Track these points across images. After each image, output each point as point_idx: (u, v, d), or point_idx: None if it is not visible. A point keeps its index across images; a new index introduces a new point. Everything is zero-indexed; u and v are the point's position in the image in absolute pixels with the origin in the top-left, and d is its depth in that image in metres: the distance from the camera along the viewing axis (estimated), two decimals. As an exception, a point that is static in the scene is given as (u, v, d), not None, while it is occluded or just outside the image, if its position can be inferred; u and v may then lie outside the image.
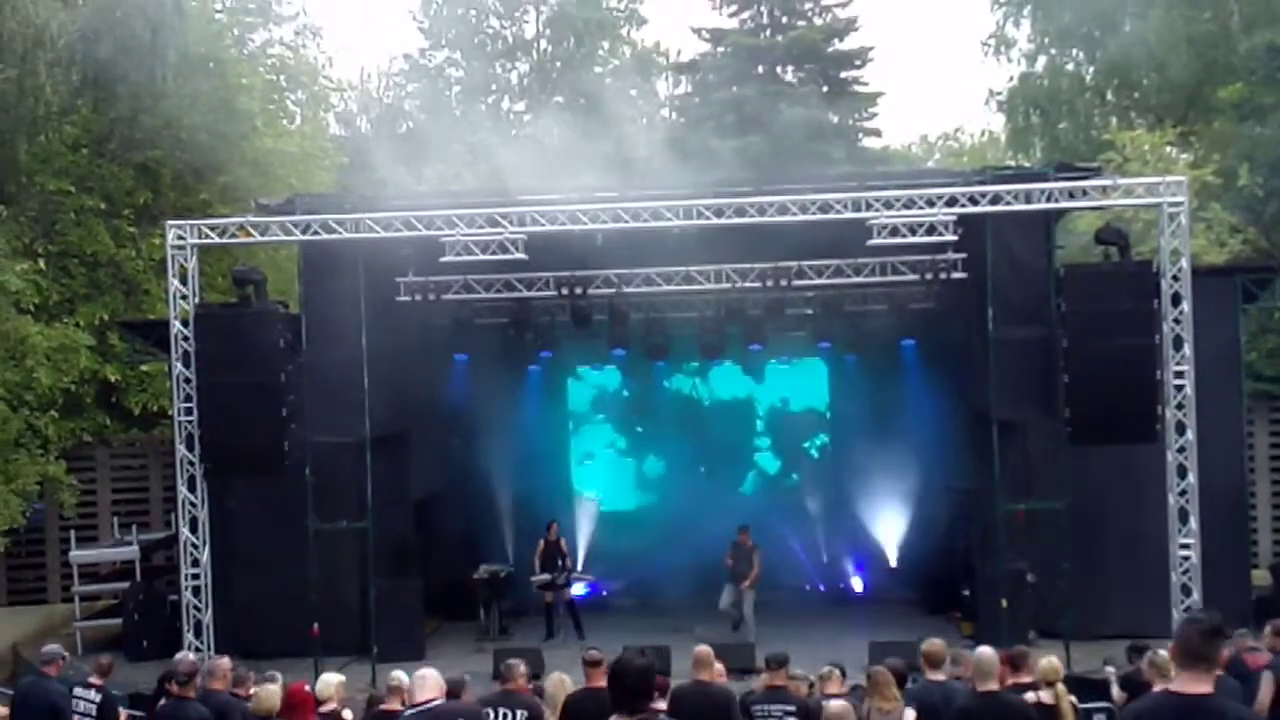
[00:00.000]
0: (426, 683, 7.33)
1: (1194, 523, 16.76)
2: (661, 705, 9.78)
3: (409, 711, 7.01)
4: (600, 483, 25.77)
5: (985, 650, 9.49)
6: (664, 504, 24.93)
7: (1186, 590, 16.76)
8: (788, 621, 19.47)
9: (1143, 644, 12.47)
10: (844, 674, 11.89)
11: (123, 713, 12.54)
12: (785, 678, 10.74)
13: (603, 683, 9.86)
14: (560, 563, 20.04)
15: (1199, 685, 5.43)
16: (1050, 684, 10.54)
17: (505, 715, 9.81)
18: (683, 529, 22.33)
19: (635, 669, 5.98)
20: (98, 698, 12.03)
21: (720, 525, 20.98)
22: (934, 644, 10.32)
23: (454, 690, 10.92)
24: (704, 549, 20.95)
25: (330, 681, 11.27)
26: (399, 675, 11.08)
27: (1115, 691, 12.08)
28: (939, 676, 10.01)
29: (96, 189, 23.55)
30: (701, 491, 23.90)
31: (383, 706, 11.01)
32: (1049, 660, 10.93)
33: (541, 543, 20.20)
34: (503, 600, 20.56)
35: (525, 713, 9.88)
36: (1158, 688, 5.59)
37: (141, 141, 24.48)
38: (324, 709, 11.00)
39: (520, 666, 10.66)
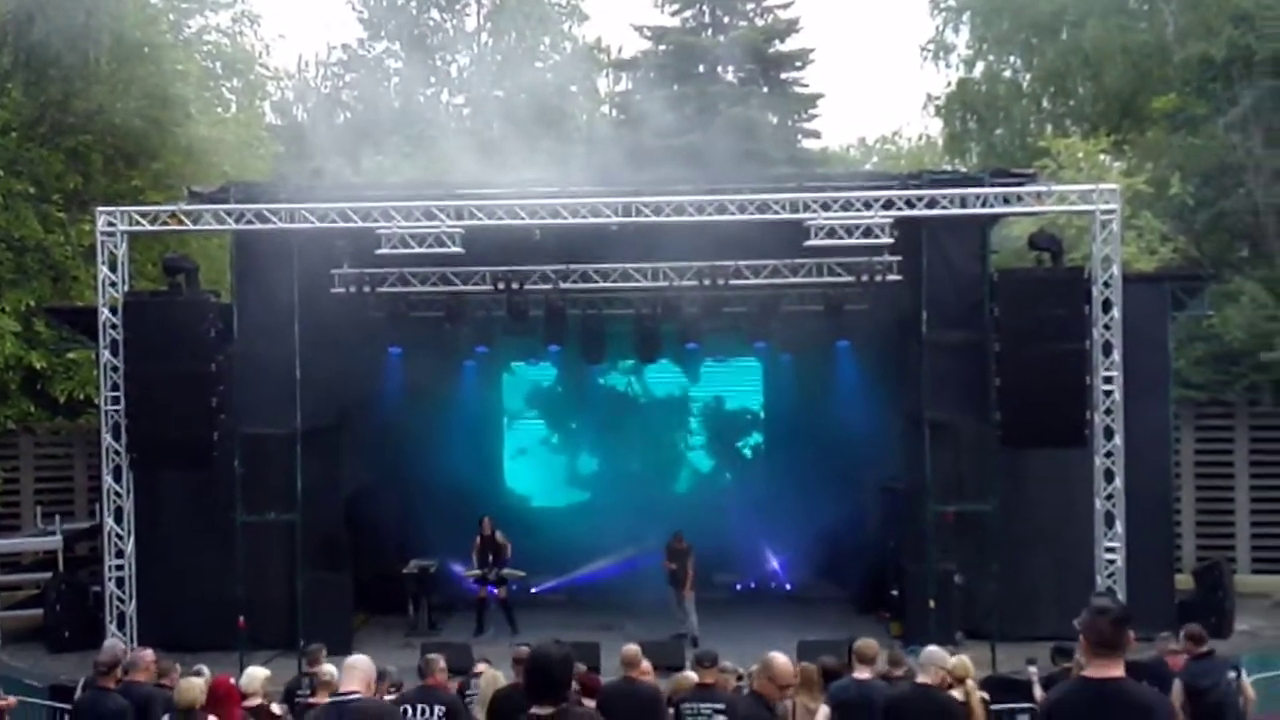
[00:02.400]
0: (354, 673, 7.13)
1: (1120, 526, 16.97)
2: (590, 703, 9.77)
3: (326, 700, 6.94)
4: (533, 479, 25.70)
5: (932, 648, 9.61)
6: (597, 501, 24.90)
7: (1111, 593, 16.94)
8: (718, 619, 19.50)
9: (1068, 646, 12.55)
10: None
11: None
12: (715, 676, 10.73)
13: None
14: (493, 558, 19.95)
15: (1111, 670, 5.62)
16: (960, 681, 10.61)
17: (424, 711, 9.72)
18: (615, 526, 22.31)
19: (554, 659, 5.94)
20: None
21: (653, 523, 21.00)
22: (867, 642, 10.35)
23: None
24: (636, 546, 20.96)
25: (256, 675, 11.13)
26: (330, 670, 10.98)
27: (1038, 692, 12.19)
28: (864, 675, 10.03)
29: (25, 173, 23.17)
30: (634, 489, 23.90)
31: (310, 699, 10.89)
32: (959, 659, 11.01)
33: (477, 539, 20.11)
34: (432, 595, 20.47)
35: (443, 708, 9.79)
36: (1086, 672, 5.68)
37: (73, 126, 24.15)
38: (249, 703, 10.88)
39: (440, 662, 10.59)
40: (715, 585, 21.76)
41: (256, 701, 10.83)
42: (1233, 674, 11.15)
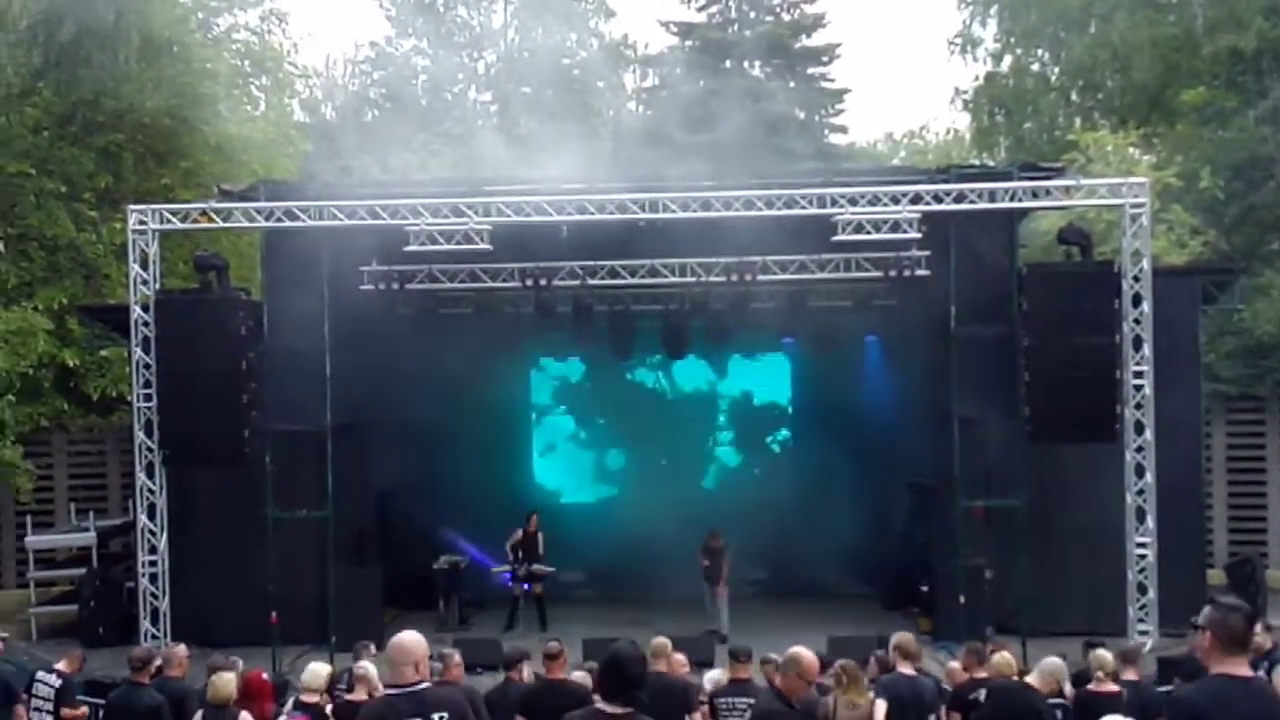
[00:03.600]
0: (410, 662, 6.72)
1: (1151, 521, 16.93)
2: None
3: (391, 692, 6.64)
4: (561, 475, 25.75)
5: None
6: (625, 497, 24.92)
7: (1142, 589, 16.93)
8: (746, 615, 19.51)
9: (1098, 641, 12.59)
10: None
11: (81, 704, 12.43)
12: (749, 671, 10.76)
13: (562, 674, 9.92)
14: (522, 553, 20.01)
15: (1244, 669, 5.63)
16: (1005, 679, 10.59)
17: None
18: (643, 522, 22.31)
19: (632, 659, 5.98)
20: (58, 683, 11.98)
21: (681, 518, 21.01)
22: (906, 637, 10.34)
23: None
24: (665, 542, 20.97)
25: (319, 673, 11.12)
26: (365, 665, 11.04)
27: (1067, 688, 12.15)
28: (909, 670, 10.00)
29: (57, 172, 23.33)
30: (662, 485, 23.91)
31: (348, 697, 10.91)
32: (1003, 655, 10.99)
33: (520, 533, 20.15)
34: (462, 591, 20.53)
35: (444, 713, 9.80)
36: (1214, 670, 5.65)
37: (103, 125, 24.29)
38: (307, 699, 10.89)
39: (455, 656, 10.70)
40: (743, 581, 21.75)
41: (315, 699, 10.85)
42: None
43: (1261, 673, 10.93)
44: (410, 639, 6.63)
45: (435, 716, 6.40)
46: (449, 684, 9.97)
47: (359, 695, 10.45)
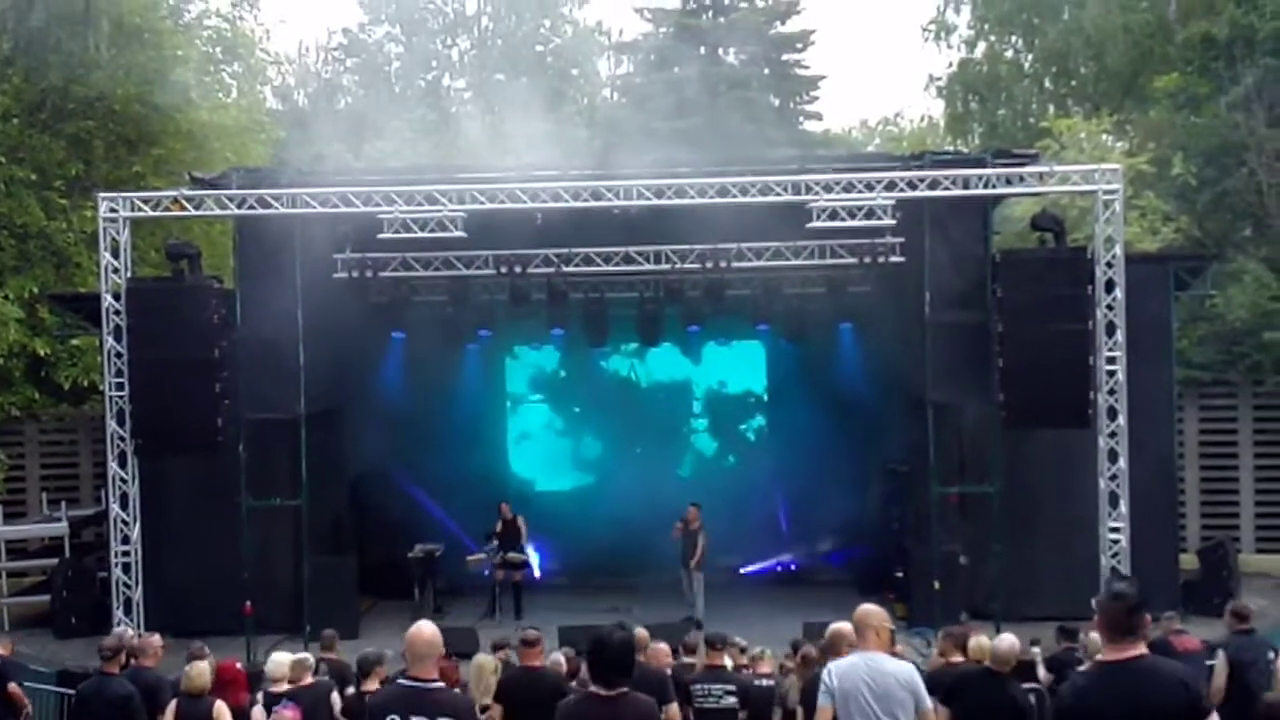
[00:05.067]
0: (427, 657, 6.47)
1: (1124, 507, 17.01)
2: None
3: (405, 683, 6.51)
4: (537, 463, 25.71)
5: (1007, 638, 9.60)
6: (600, 485, 24.88)
7: (1116, 573, 16.98)
8: (722, 601, 19.54)
9: (1072, 626, 12.64)
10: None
11: (11, 684, 12.39)
12: (724, 657, 10.78)
13: (539, 662, 9.90)
14: (519, 542, 20.02)
15: (1131, 650, 5.73)
16: (979, 663, 10.62)
17: None
18: (619, 510, 22.31)
19: (616, 643, 5.99)
20: None
21: (657, 506, 21.00)
22: (843, 626, 10.29)
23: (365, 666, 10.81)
24: (641, 529, 20.98)
25: (281, 661, 11.09)
26: (388, 653, 10.97)
27: (1042, 672, 12.23)
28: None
29: (27, 160, 23.15)
30: (638, 473, 23.88)
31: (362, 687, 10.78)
32: (978, 640, 11.03)
33: (499, 523, 20.17)
34: (437, 579, 20.49)
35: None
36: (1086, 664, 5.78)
37: (74, 112, 24.13)
38: (275, 689, 10.86)
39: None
40: (719, 567, 21.75)
41: (283, 687, 10.81)
42: (1272, 654, 11.19)
43: (1270, 656, 11.07)
44: (431, 631, 6.57)
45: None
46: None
47: (370, 685, 10.38)
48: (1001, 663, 9.24)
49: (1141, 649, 5.77)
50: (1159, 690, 5.64)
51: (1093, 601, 5.88)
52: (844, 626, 7.96)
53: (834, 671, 7.08)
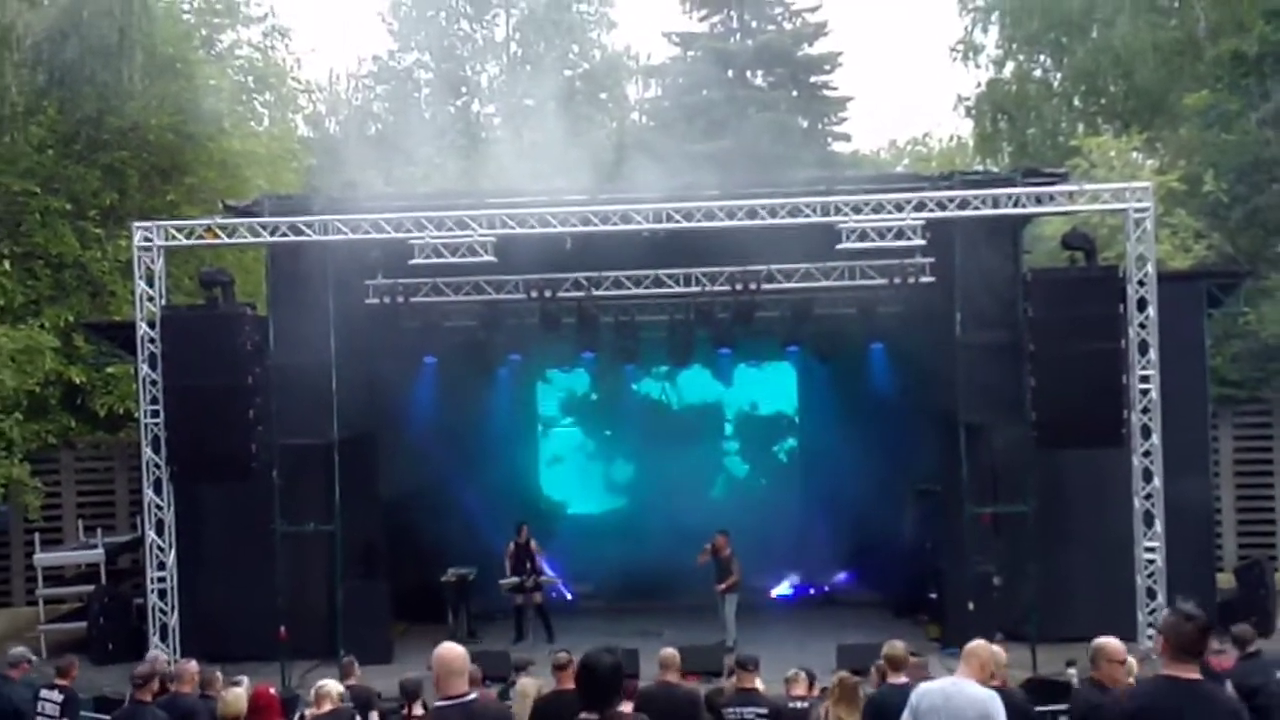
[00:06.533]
0: (458, 673, 6.61)
1: (1159, 526, 16.91)
2: (627, 707, 9.78)
3: (442, 703, 6.65)
4: (568, 486, 25.73)
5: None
6: (632, 507, 24.88)
7: (1151, 593, 16.90)
8: (755, 624, 19.49)
9: (1107, 646, 12.52)
10: (812, 679, 11.95)
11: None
12: (755, 680, 10.74)
13: (571, 685, 9.90)
14: (529, 565, 20.02)
15: (1190, 673, 5.76)
16: (991, 676, 10.54)
17: None
18: (651, 532, 22.31)
19: (605, 666, 5.99)
20: (61, 698, 11.98)
21: (689, 529, 20.96)
22: (895, 646, 10.24)
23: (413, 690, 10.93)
24: (673, 552, 20.95)
25: (331, 689, 11.15)
26: (327, 683, 11.11)
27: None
28: (900, 680, 9.93)
29: (62, 190, 23.40)
30: (670, 495, 23.87)
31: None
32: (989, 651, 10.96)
33: (511, 545, 20.19)
34: (471, 603, 20.53)
35: None
36: (1162, 672, 5.79)
37: (108, 142, 24.38)
38: (318, 710, 10.97)
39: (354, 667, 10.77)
40: (751, 590, 21.70)
41: (327, 708, 10.88)
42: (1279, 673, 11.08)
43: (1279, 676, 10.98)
44: (453, 650, 6.65)
45: None
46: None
47: (416, 710, 10.44)
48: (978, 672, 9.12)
49: (1199, 674, 5.81)
50: (1216, 714, 5.69)
51: (1160, 621, 5.90)
52: (979, 645, 8.07)
53: (919, 691, 7.57)
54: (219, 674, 11.74)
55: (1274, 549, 22.26)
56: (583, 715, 5.92)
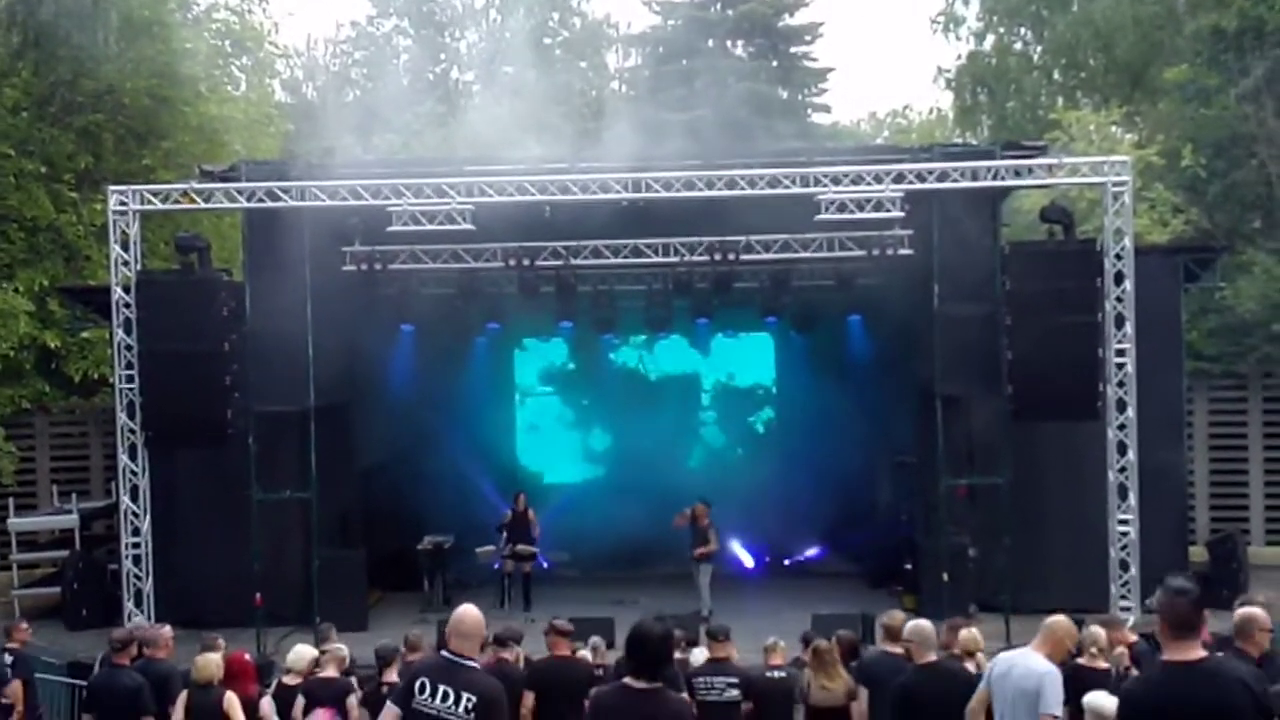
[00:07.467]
0: (471, 637, 6.69)
1: (1133, 499, 17.00)
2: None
3: (445, 654, 6.71)
4: (545, 455, 25.74)
5: (922, 622, 9.39)
6: (609, 477, 24.91)
7: (1125, 565, 17.01)
8: (730, 594, 19.57)
9: (1081, 618, 12.60)
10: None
11: (14, 680, 12.37)
12: (727, 649, 10.78)
13: (567, 651, 10.06)
14: (529, 534, 20.03)
15: (1193, 652, 5.73)
16: (970, 655, 10.63)
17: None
18: (627, 502, 22.31)
19: (656, 636, 6.05)
20: (10, 660, 12.06)
21: (664, 498, 21.00)
22: (895, 616, 10.21)
23: (388, 657, 10.95)
24: (649, 521, 20.99)
25: (303, 654, 11.18)
26: (339, 646, 11.13)
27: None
28: (895, 649, 9.91)
29: (37, 153, 23.22)
30: (646, 465, 23.88)
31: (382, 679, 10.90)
32: (969, 632, 11.05)
33: (509, 513, 20.19)
34: (447, 571, 20.51)
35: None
36: (1164, 657, 5.78)
37: (83, 105, 24.18)
38: (288, 680, 11.04)
39: (425, 638, 10.84)
40: (727, 560, 21.80)
41: (297, 680, 10.92)
42: None
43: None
44: (478, 614, 6.80)
45: (465, 695, 6.47)
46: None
47: (390, 677, 10.48)
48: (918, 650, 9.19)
49: (1202, 651, 5.78)
50: (1223, 692, 5.66)
51: (1150, 600, 5.89)
52: (1056, 621, 8.25)
53: (996, 659, 8.24)
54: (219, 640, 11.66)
55: (1247, 523, 22.43)
56: (629, 683, 5.98)
